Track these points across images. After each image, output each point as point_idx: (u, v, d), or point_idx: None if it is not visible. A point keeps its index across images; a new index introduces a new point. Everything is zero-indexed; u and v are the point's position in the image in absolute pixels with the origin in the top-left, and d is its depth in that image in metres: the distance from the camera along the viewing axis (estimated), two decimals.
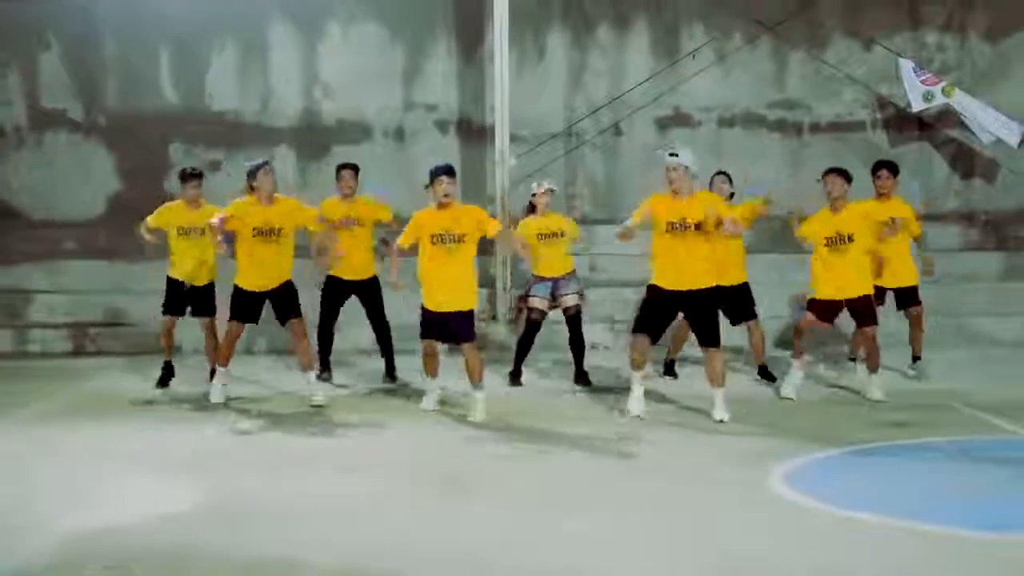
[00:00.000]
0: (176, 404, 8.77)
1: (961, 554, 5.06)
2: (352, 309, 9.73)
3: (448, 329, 8.20)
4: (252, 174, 8.56)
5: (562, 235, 9.29)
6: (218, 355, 8.76)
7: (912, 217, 9.42)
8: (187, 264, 9.11)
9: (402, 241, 8.24)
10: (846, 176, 8.62)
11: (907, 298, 9.45)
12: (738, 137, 13.42)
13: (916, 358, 9.59)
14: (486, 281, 12.19)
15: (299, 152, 13.36)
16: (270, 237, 8.45)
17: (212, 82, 13.37)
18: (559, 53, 13.44)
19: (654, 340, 8.07)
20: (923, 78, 12.58)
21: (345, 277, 9.43)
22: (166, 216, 9.14)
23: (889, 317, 9.53)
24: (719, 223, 7.65)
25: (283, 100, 13.41)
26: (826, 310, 8.61)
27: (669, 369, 9.65)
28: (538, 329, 9.39)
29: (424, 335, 8.25)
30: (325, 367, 9.54)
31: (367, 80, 13.27)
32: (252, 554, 5.17)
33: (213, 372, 8.99)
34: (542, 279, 9.28)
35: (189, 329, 9.70)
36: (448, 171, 8.18)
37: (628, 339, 8.51)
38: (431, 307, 8.15)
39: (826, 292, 8.56)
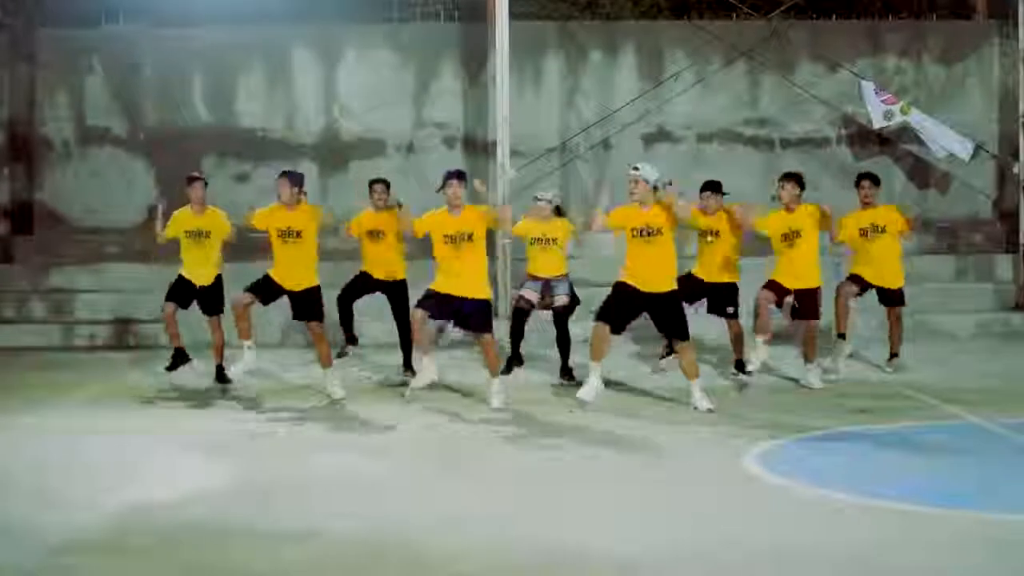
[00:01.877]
0: (210, 392, 8.80)
1: (915, 527, 5.08)
2: (371, 307, 9.69)
3: (453, 308, 7.95)
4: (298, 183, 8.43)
5: (555, 242, 9.15)
6: (237, 330, 8.37)
7: (899, 219, 9.35)
8: (192, 264, 8.94)
9: (418, 228, 8.09)
10: (798, 180, 8.72)
11: (892, 298, 9.40)
12: (716, 152, 13.47)
13: (894, 355, 9.53)
14: (490, 280, 12.22)
15: (320, 166, 13.40)
16: (289, 239, 8.32)
17: (241, 102, 13.43)
18: (554, 76, 13.50)
19: (616, 332, 7.89)
20: (883, 98, 12.64)
21: (377, 276, 9.27)
22: (174, 227, 8.98)
23: (867, 313, 9.52)
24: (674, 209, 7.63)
25: (306, 118, 13.49)
26: (777, 291, 8.67)
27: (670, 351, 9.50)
28: (526, 315, 9.18)
29: (419, 303, 7.89)
30: (351, 340, 9.37)
31: (382, 100, 13.36)
32: (281, 525, 5.20)
33: (219, 369, 8.97)
34: (535, 278, 9.22)
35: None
36: (459, 176, 8.07)
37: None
38: (439, 289, 7.92)
39: (781, 279, 8.65)
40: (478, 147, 13.39)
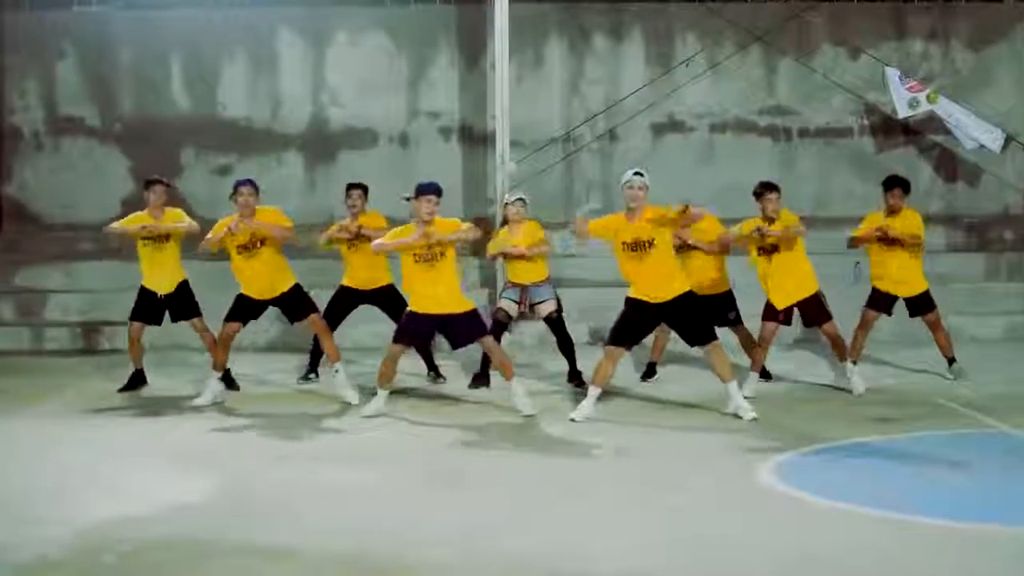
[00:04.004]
0: (188, 399, 8.80)
1: (941, 545, 5.08)
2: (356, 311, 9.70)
3: (440, 327, 8.03)
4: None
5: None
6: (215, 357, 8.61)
7: (914, 227, 9.20)
8: (152, 272, 8.98)
9: (387, 239, 8.02)
10: (777, 190, 8.64)
11: (919, 306, 9.37)
12: (729, 143, 13.47)
13: (951, 361, 9.47)
14: (488, 281, 12.24)
15: (307, 158, 13.42)
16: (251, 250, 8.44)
17: (223, 90, 13.44)
18: (557, 62, 13.49)
19: (629, 348, 8.00)
20: (908, 85, 12.62)
21: (360, 287, 9.30)
22: (130, 224, 8.99)
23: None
24: (681, 219, 7.55)
25: (292, 107, 13.48)
26: (776, 316, 8.63)
27: (650, 372, 9.55)
28: (504, 330, 9.19)
29: (398, 339, 7.97)
30: (313, 369, 9.48)
31: (373, 88, 13.37)
32: (263, 541, 5.21)
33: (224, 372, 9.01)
34: (513, 285, 9.16)
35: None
36: (436, 191, 7.88)
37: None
38: (418, 309, 7.93)
39: (773, 298, 8.60)
40: (476, 138, 13.39)
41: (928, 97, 12.60)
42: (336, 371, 8.61)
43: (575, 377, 9.13)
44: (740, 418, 7.71)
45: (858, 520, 5.44)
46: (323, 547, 5.11)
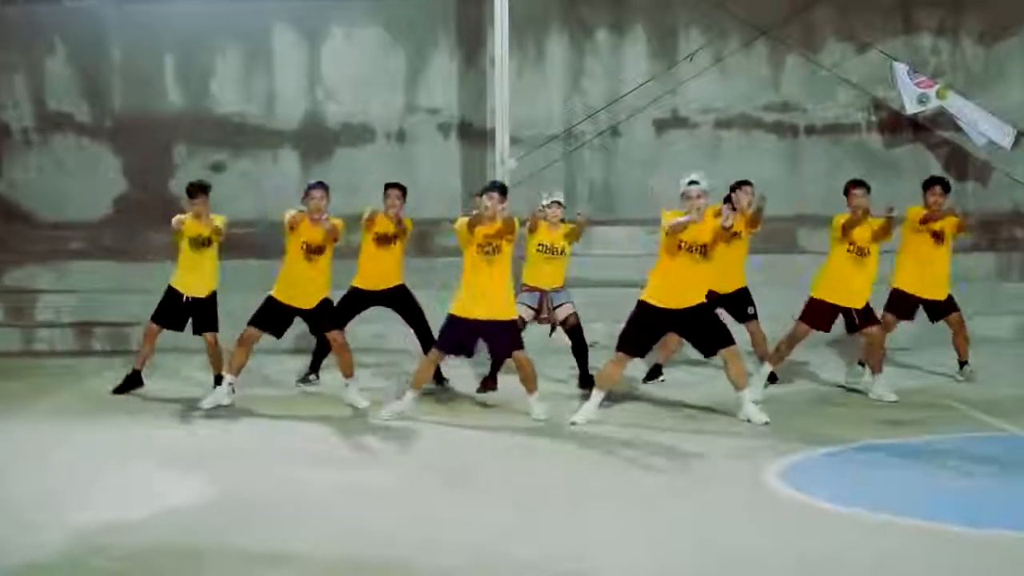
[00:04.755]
0: (182, 402, 8.80)
1: (953, 550, 5.09)
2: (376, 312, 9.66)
3: (479, 336, 8.07)
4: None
5: (561, 253, 9.11)
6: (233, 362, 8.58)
7: (954, 222, 9.33)
8: (188, 274, 9.00)
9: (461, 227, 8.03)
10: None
11: (942, 310, 9.40)
12: (735, 139, 13.46)
13: (963, 363, 9.52)
14: None
15: (303, 154, 13.40)
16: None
17: (217, 85, 13.43)
18: (558, 56, 13.48)
19: (640, 356, 8.04)
20: (917, 81, 12.61)
21: (373, 287, 9.24)
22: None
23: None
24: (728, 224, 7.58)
25: (287, 103, 13.47)
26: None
27: (654, 374, 9.57)
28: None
29: (443, 346, 8.07)
30: (314, 371, 9.47)
31: (370, 83, 13.35)
32: (256, 547, 5.20)
33: (218, 379, 9.00)
34: (530, 289, 9.14)
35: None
36: (502, 190, 7.97)
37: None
38: (462, 314, 7.96)
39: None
40: (475, 134, 13.38)
41: (937, 93, 12.59)
42: (347, 385, 8.61)
43: (586, 383, 9.07)
44: (751, 422, 7.73)
45: (866, 524, 5.45)
46: (324, 552, 5.11)
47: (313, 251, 8.45)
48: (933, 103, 12.60)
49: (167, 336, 9.11)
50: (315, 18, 13.42)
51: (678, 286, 7.72)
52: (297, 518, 5.65)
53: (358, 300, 9.28)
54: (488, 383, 9.13)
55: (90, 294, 12.21)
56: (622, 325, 7.93)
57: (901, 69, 12.65)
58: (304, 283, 8.51)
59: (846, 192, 8.70)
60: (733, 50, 13.32)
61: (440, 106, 13.48)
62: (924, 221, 9.19)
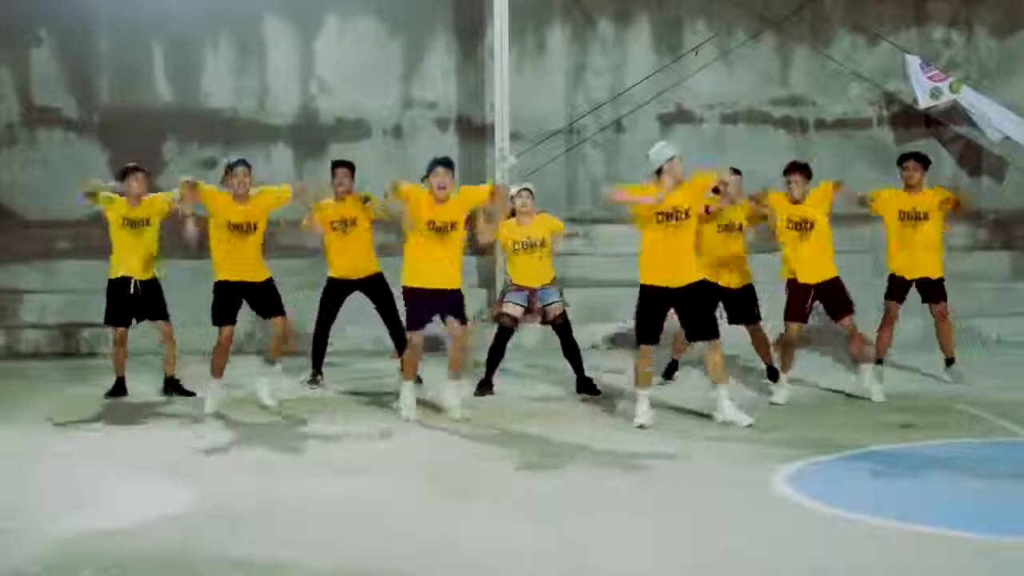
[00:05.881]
0: (170, 405, 8.81)
1: (964, 557, 5.09)
2: (349, 309, 9.70)
3: (440, 305, 8.16)
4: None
5: (541, 245, 9.02)
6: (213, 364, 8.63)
7: (944, 197, 9.36)
8: (130, 259, 9.02)
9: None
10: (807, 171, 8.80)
11: (933, 291, 9.36)
12: (742, 134, 13.48)
13: (950, 361, 9.50)
14: (485, 282, 12.24)
15: (296, 150, 13.40)
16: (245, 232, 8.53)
17: (207, 79, 13.42)
18: (560, 49, 13.48)
19: (656, 342, 8.03)
20: (930, 74, 12.61)
21: (347, 276, 9.34)
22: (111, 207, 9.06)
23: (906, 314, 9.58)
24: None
25: (280, 97, 13.46)
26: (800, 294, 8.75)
27: (671, 370, 9.61)
28: (509, 336, 9.16)
29: (413, 324, 8.15)
30: (318, 370, 9.49)
31: (365, 77, 13.33)
32: (249, 556, 5.19)
33: (171, 382, 9.08)
34: (519, 288, 9.10)
35: (183, 330, 9.60)
36: (446, 163, 8.09)
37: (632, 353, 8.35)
38: (417, 284, 8.06)
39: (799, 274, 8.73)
40: (474, 130, 13.38)
41: (951, 86, 12.60)
42: (273, 367, 8.80)
43: (584, 387, 9.09)
44: (730, 423, 7.76)
45: (872, 530, 5.44)
46: (319, 562, 5.09)
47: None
48: (946, 97, 12.60)
49: (149, 339, 9.09)
50: (307, 9, 13.40)
51: (664, 260, 7.78)
52: (292, 526, 5.65)
53: (337, 289, 9.35)
54: (484, 387, 9.12)
55: (76, 295, 12.19)
56: (622, 325, 7.97)
57: (914, 62, 12.66)
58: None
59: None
60: (740, 43, 13.32)
61: (437, 100, 13.47)
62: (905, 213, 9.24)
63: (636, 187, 8.05)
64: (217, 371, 8.57)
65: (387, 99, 13.43)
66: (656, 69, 13.25)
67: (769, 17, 13.12)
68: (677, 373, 9.55)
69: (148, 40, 13.34)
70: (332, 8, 13.44)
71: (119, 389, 9.15)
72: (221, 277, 8.56)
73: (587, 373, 9.15)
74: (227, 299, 8.58)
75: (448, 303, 8.16)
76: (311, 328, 9.53)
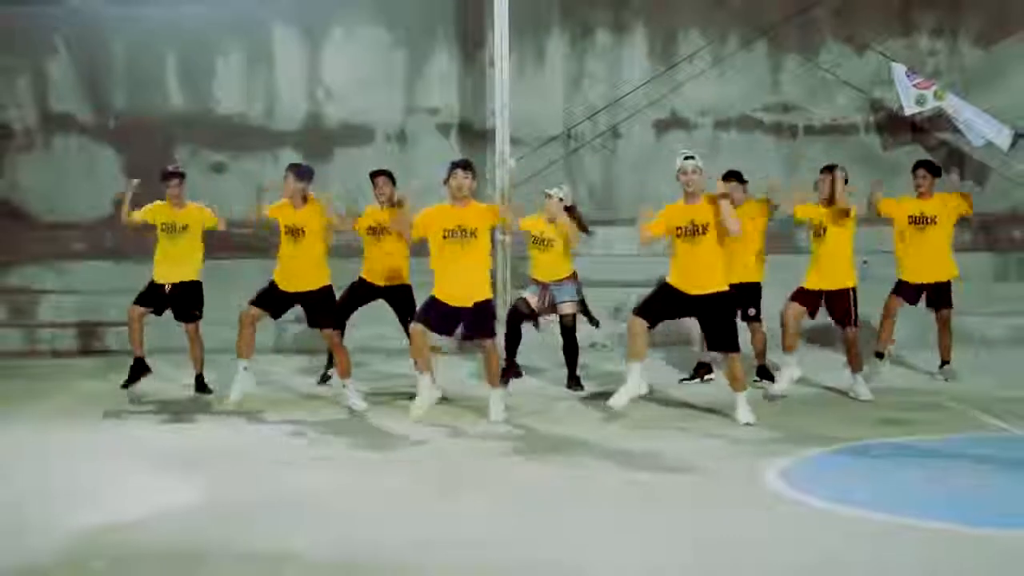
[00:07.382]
0: (179, 402, 8.74)
1: (953, 550, 5.03)
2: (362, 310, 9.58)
3: (454, 323, 7.83)
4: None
5: (552, 243, 8.98)
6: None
7: (957, 203, 9.44)
8: (166, 263, 8.92)
9: (414, 234, 7.87)
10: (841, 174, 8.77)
11: (940, 297, 9.34)
12: (734, 140, 13.41)
13: (945, 362, 9.49)
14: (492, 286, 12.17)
15: (303, 155, 13.28)
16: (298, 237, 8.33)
17: (218, 86, 13.37)
18: (558, 57, 13.43)
19: (651, 326, 7.82)
20: (915, 82, 12.54)
21: (376, 282, 9.16)
22: (152, 213, 8.98)
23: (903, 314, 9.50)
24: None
25: (287, 104, 13.41)
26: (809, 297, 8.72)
27: (700, 371, 9.43)
28: (522, 319, 9.08)
29: (418, 318, 7.71)
30: (330, 366, 9.38)
31: (370, 84, 13.30)
32: (253, 549, 5.14)
33: (199, 379, 8.95)
34: (536, 282, 9.14)
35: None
36: (465, 165, 7.84)
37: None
38: (441, 297, 7.75)
39: (809, 282, 8.74)
40: (475, 134, 13.33)
41: (935, 94, 12.52)
42: (345, 385, 8.46)
43: (574, 382, 9.10)
44: (739, 422, 7.70)
45: (866, 524, 5.38)
46: (322, 554, 5.04)
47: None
48: (931, 104, 12.53)
49: (161, 338, 9.02)
50: (315, 18, 13.36)
51: (685, 271, 7.71)
52: (296, 520, 5.58)
53: (362, 291, 9.18)
54: (510, 372, 9.00)
55: (92, 295, 12.15)
56: (623, 326, 7.89)
57: (899, 70, 12.59)
58: (293, 265, 8.39)
59: None
60: (733, 51, 13.26)
61: (440, 106, 13.43)
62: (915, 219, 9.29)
63: (660, 213, 7.87)
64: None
65: (391, 105, 13.38)
66: (651, 76, 13.19)
67: (760, 27, 13.05)
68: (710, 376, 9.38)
69: (161, 48, 13.30)
70: (339, 18, 13.40)
71: (138, 370, 8.83)
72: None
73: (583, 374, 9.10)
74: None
75: (472, 320, 7.78)
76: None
